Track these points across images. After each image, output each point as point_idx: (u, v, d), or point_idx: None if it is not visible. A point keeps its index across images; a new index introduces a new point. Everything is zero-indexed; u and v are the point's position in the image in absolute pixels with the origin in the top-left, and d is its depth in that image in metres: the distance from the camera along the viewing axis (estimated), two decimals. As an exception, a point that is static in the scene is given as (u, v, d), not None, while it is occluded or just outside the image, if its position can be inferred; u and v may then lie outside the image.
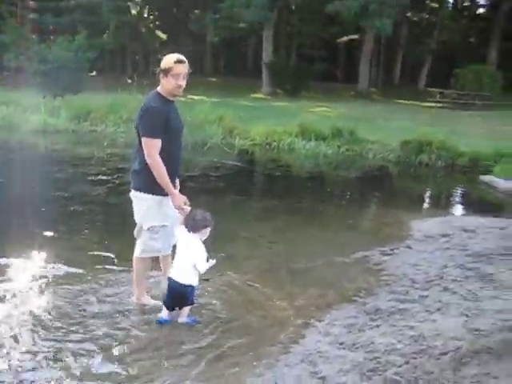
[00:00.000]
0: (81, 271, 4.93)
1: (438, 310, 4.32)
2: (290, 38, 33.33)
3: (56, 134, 15.05)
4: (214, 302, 4.34)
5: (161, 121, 3.80)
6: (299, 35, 33.60)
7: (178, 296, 3.84)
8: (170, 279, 3.85)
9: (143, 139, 3.79)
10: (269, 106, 22.07)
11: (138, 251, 4.09)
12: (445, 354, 3.53)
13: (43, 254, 5.32)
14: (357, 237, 6.49)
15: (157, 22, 36.45)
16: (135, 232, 4.11)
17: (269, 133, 14.81)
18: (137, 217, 4.03)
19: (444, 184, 11.20)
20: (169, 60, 3.82)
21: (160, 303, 4.03)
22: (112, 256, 5.37)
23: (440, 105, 23.97)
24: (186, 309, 3.92)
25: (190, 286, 3.82)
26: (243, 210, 7.60)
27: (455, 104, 23.59)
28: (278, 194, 9.00)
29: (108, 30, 30.99)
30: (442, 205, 8.51)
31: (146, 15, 35.13)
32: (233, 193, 8.60)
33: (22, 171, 9.88)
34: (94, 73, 40.05)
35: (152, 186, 3.84)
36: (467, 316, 4.16)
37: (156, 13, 36.00)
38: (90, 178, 9.17)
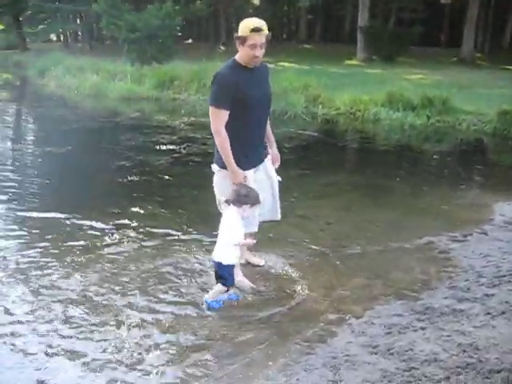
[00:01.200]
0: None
1: (503, 313, 3.67)
2: (388, 1, 31.40)
3: (139, 101, 15.22)
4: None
5: (229, 89, 3.52)
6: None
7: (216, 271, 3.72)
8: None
9: (210, 108, 3.57)
10: (361, 72, 20.97)
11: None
12: (497, 371, 2.93)
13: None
14: (427, 220, 5.78)
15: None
16: (218, 205, 3.94)
17: (354, 101, 14.02)
18: (216, 191, 3.91)
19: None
20: (245, 28, 3.50)
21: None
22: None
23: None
24: (216, 287, 3.70)
25: (220, 263, 3.62)
26: (306, 186, 7.07)
27: None
28: (349, 169, 8.38)
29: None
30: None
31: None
32: (300, 166, 8.07)
33: (93, 139, 10.01)
34: (190, 40, 40.56)
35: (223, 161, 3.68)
36: (538, 324, 3.49)
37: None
38: (156, 147, 9.07)
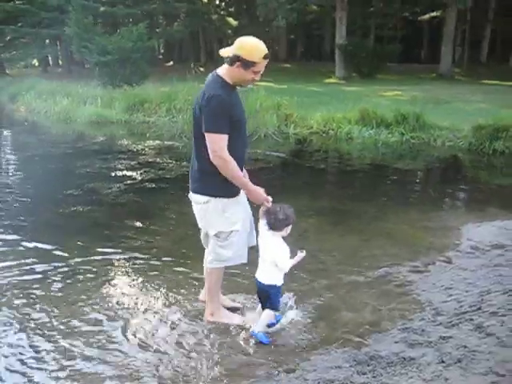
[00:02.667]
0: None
1: (458, 361, 3.18)
2: (367, 18, 31.37)
3: (107, 125, 14.75)
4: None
5: (228, 112, 3.21)
6: (377, 15, 31.70)
7: (263, 296, 3.57)
8: (256, 280, 3.57)
9: (207, 134, 3.20)
10: (338, 90, 20.69)
11: (211, 262, 3.62)
12: None
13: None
14: (388, 247, 5.31)
15: (230, 9, 35.79)
16: (202, 239, 3.75)
17: (328, 120, 13.68)
18: (207, 224, 3.55)
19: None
20: (257, 53, 3.20)
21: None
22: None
23: (531, 84, 21.41)
24: (267, 313, 3.54)
25: (274, 285, 3.50)
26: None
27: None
28: (313, 192, 7.90)
29: (178, 19, 30.69)
30: (506, 204, 7.02)
31: (217, 2, 34.59)
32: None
33: (48, 166, 9.47)
34: (171, 63, 40.37)
35: (215, 189, 3.37)
36: (498, 375, 3.00)
37: (223, 1, 35.35)
38: (112, 174, 8.57)
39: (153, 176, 8.35)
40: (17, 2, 28.88)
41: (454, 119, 12.72)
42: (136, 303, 4.04)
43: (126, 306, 4.01)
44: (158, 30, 34.71)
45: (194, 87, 15.49)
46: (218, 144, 3.17)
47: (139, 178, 8.22)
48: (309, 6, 24.64)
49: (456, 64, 28.60)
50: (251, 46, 3.19)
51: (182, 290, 4.26)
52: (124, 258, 4.96)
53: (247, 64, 3.17)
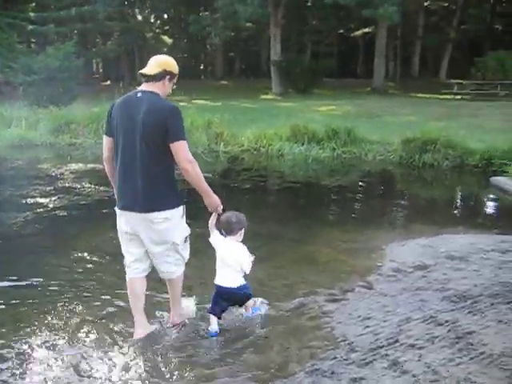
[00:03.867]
0: None
1: (368, 410, 2.82)
2: (302, 35, 31.67)
3: (31, 148, 13.95)
4: None
5: None
6: (312, 32, 32.07)
7: (233, 300, 3.76)
8: (219, 287, 3.68)
9: (179, 143, 3.29)
10: (273, 106, 20.59)
11: (178, 270, 3.69)
12: None
13: None
14: (306, 273, 4.97)
15: (165, 28, 35.39)
16: (157, 259, 3.60)
17: (259, 137, 13.41)
18: (166, 238, 3.49)
19: (445, 189, 9.46)
20: (175, 66, 3.54)
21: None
22: None
23: (459, 97, 22.00)
24: (249, 303, 3.86)
25: (244, 285, 3.73)
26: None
27: (477, 95, 21.59)
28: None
29: (112, 37, 30.01)
30: (434, 219, 6.89)
31: (152, 20, 34.13)
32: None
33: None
34: (109, 82, 39.46)
35: (176, 198, 3.49)
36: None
37: (158, 20, 34.91)
38: (22, 201, 7.90)
39: (66, 203, 7.77)
40: None
41: (384, 133, 12.75)
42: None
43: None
44: (94, 50, 34.00)
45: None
46: (187, 150, 3.31)
47: (51, 206, 7.61)
48: (243, 24, 24.45)
49: (389, 78, 29.27)
50: (172, 61, 3.51)
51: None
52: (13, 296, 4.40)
53: (174, 77, 3.50)
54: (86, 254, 5.54)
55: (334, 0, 20.40)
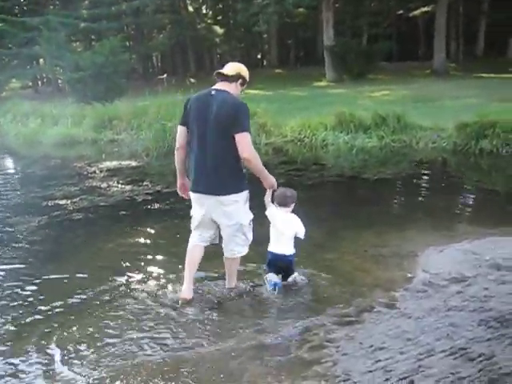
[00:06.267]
0: None
1: None
2: (356, 17, 30.34)
3: (73, 146, 13.91)
4: None
5: None
6: (369, 14, 30.65)
7: (282, 266, 4.22)
8: (273, 254, 4.20)
9: (242, 135, 3.67)
10: (324, 94, 19.71)
11: (243, 250, 4.08)
12: None
13: None
14: (323, 287, 4.30)
15: (217, 18, 34.90)
16: (227, 237, 4.02)
17: (303, 126, 12.69)
18: (234, 219, 3.91)
19: (504, 180, 8.33)
20: (248, 73, 3.98)
21: None
22: None
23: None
24: (291, 277, 4.26)
25: (293, 253, 4.23)
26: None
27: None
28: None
29: (164, 31, 29.88)
30: (485, 217, 5.97)
31: (204, 11, 33.76)
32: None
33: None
34: (165, 75, 39.63)
35: (243, 183, 3.90)
36: None
37: (209, 10, 34.47)
38: (43, 203, 7.63)
39: (85, 205, 7.41)
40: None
41: (439, 118, 11.69)
42: None
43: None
44: (149, 44, 34.08)
45: (164, 101, 14.63)
46: (250, 141, 3.69)
47: (70, 208, 7.27)
48: (290, 9, 23.57)
49: (451, 59, 27.51)
50: (246, 69, 3.98)
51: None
52: None
53: (244, 82, 3.96)
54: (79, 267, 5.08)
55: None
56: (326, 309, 3.88)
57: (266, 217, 4.21)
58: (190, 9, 31.55)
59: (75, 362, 3.33)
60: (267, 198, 4.15)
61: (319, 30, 34.33)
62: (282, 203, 4.18)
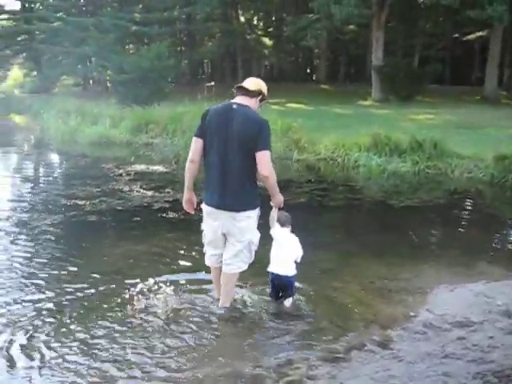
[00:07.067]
0: None
1: None
2: (409, 38, 29.84)
3: (108, 146, 14.09)
4: None
5: None
6: (422, 35, 30.10)
7: (283, 287, 4.17)
8: (274, 274, 4.15)
9: (264, 152, 3.66)
10: (365, 113, 19.35)
11: (243, 266, 4.03)
12: None
13: None
14: (318, 317, 4.08)
15: (268, 29, 35.00)
16: (233, 252, 3.96)
17: (337, 145, 12.44)
18: (245, 236, 3.91)
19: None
20: (266, 89, 3.96)
21: None
22: None
23: None
24: (291, 299, 4.21)
25: (294, 275, 4.14)
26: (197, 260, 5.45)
27: None
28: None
29: (213, 39, 30.15)
30: (504, 259, 5.59)
31: (255, 22, 33.93)
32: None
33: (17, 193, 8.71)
34: (213, 83, 40.03)
35: (257, 199, 3.91)
36: None
37: (260, 21, 34.60)
38: (61, 202, 7.69)
39: (102, 207, 7.40)
40: (55, 24, 29.14)
41: (480, 147, 11.22)
42: None
43: None
44: (199, 50, 34.49)
45: (202, 108, 14.65)
46: (269, 160, 3.69)
47: (86, 209, 7.27)
48: (339, 26, 23.34)
49: (504, 87, 26.66)
50: (265, 85, 3.95)
51: None
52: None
53: (263, 98, 3.95)
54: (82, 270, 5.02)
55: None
56: (316, 342, 3.68)
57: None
58: (242, 19, 31.74)
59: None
60: (273, 215, 4.09)
61: (370, 47, 34.07)
62: (284, 222, 4.14)
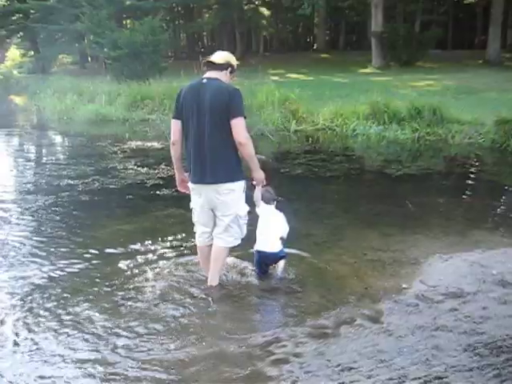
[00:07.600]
0: None
1: None
2: (409, 2, 29.19)
3: (104, 124, 13.92)
4: None
5: None
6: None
7: (272, 262, 4.18)
8: (261, 252, 4.09)
9: (238, 119, 3.65)
10: (366, 81, 19.01)
11: (235, 242, 4.00)
12: None
13: None
14: (306, 291, 3.99)
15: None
16: (222, 227, 3.93)
17: (335, 115, 12.26)
18: (231, 209, 3.88)
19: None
20: (235, 61, 3.96)
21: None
22: None
23: None
24: (281, 263, 4.20)
25: (281, 250, 4.10)
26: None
27: None
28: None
29: (211, 10, 29.59)
30: (503, 227, 5.43)
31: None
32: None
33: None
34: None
35: (239, 173, 3.85)
36: None
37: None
38: (54, 183, 7.60)
39: (95, 186, 7.31)
40: (49, 1, 28.65)
41: (481, 112, 11.01)
42: None
43: None
44: (196, 22, 33.91)
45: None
46: (244, 127, 3.66)
47: (79, 189, 7.18)
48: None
49: (507, 49, 26.17)
50: (233, 57, 3.96)
51: None
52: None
53: (233, 71, 3.92)
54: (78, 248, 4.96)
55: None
56: (304, 318, 3.60)
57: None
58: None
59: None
60: (257, 193, 4.05)
61: (370, 14, 33.42)
62: (271, 199, 4.13)
